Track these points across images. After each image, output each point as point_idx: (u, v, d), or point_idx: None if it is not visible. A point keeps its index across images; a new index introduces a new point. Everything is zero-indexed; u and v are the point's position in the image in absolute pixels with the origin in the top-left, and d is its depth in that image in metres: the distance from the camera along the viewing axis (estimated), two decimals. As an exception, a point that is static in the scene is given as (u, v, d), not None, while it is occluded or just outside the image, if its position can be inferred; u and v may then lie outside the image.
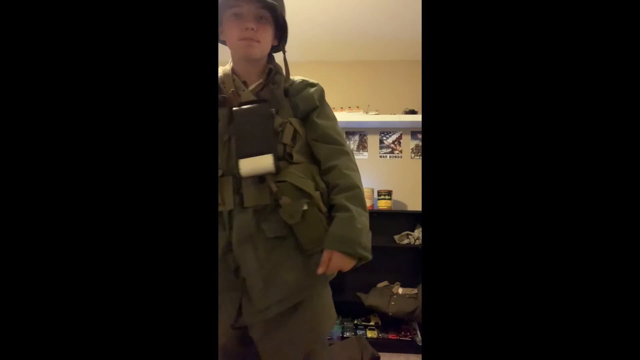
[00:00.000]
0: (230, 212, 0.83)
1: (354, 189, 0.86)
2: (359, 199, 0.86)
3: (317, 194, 0.85)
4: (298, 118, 0.90)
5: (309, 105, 0.90)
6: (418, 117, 2.61)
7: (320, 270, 0.81)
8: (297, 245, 0.83)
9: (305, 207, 0.82)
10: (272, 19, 0.87)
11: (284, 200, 0.81)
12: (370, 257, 0.84)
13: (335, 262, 0.81)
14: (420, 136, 2.83)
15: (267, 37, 0.87)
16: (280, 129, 0.85)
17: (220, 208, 0.83)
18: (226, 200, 0.83)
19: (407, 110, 2.69)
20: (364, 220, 0.84)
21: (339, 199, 0.85)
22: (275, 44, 0.92)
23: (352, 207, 0.83)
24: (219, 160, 0.84)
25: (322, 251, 0.85)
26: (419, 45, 2.41)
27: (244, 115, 0.83)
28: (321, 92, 0.94)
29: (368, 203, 2.33)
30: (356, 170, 0.90)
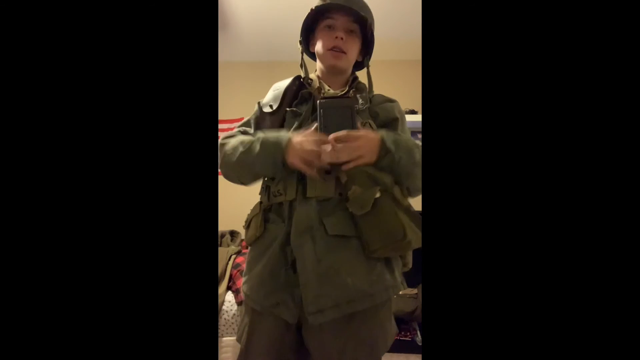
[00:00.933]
0: (291, 203, 0.80)
1: (419, 148, 0.82)
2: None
3: (393, 185, 0.78)
4: (377, 124, 0.89)
5: (388, 116, 0.90)
6: (418, 117, 2.61)
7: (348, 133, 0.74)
8: (361, 248, 0.77)
9: (378, 195, 0.74)
10: (360, 35, 0.91)
11: (355, 190, 0.75)
12: (395, 160, 0.77)
13: (367, 138, 0.75)
14: (420, 136, 2.83)
15: (354, 49, 0.91)
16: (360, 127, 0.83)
17: (280, 199, 0.81)
18: (288, 190, 0.80)
19: (407, 110, 2.69)
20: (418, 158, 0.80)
21: None
22: (360, 59, 0.95)
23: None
24: None
25: (387, 259, 0.80)
26: (419, 45, 2.41)
27: (329, 103, 0.80)
28: (400, 107, 0.94)
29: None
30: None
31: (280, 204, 0.83)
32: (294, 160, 0.76)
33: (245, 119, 0.98)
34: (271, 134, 0.81)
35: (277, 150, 0.78)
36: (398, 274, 0.82)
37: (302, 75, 0.93)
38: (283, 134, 0.80)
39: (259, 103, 0.94)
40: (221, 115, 2.64)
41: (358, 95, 0.89)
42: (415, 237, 0.76)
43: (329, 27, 0.89)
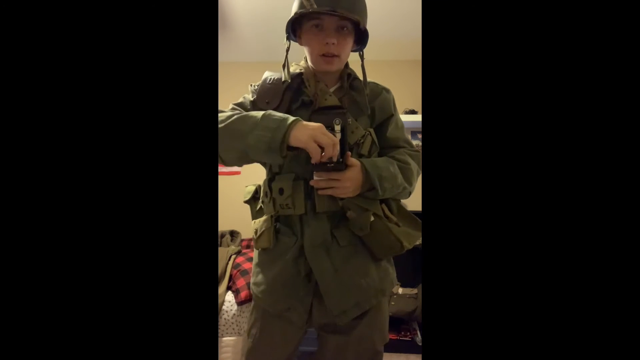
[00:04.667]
0: (300, 217, 0.84)
1: (406, 164, 0.88)
2: (407, 170, 0.86)
3: (382, 207, 0.86)
4: (374, 127, 0.91)
5: (385, 114, 0.92)
6: (418, 117, 2.61)
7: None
8: (369, 252, 0.86)
9: (372, 219, 0.83)
10: (352, 28, 0.84)
11: (350, 214, 0.83)
12: (380, 194, 0.82)
13: (350, 180, 0.78)
14: (420, 136, 2.83)
15: (347, 49, 0.86)
16: (361, 140, 0.85)
17: (289, 212, 0.84)
18: (297, 204, 0.83)
19: (407, 110, 2.69)
20: (399, 174, 0.84)
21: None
22: (354, 47, 0.90)
23: (395, 161, 0.86)
24: (295, 164, 0.83)
25: (390, 258, 0.91)
26: (419, 45, 2.40)
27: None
28: (394, 99, 0.96)
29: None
30: (416, 163, 0.91)
31: (289, 215, 0.86)
32: (302, 136, 0.71)
33: (237, 102, 0.91)
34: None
35: (281, 125, 0.72)
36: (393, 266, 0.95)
37: (286, 76, 0.86)
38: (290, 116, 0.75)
39: (252, 87, 0.90)
40: (221, 115, 2.63)
41: (358, 99, 0.88)
42: (411, 241, 0.86)
43: (318, 26, 0.81)
